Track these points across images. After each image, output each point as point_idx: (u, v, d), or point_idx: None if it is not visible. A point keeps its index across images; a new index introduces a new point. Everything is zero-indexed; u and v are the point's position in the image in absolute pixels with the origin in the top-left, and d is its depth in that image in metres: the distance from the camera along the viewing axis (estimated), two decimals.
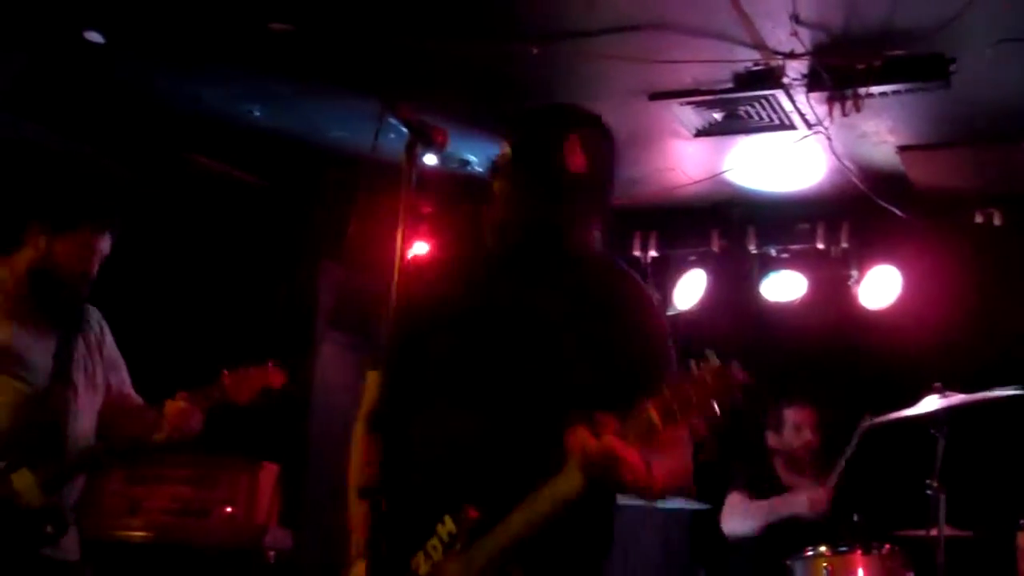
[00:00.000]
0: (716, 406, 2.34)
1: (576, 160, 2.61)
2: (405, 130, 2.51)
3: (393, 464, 2.74)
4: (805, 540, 4.79)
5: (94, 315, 3.95)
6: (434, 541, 2.53)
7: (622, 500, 4.18)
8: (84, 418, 3.79)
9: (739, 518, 5.28)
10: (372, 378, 2.90)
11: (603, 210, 2.79)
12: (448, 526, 2.51)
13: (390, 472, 2.69)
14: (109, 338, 3.99)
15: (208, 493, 5.09)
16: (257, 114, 5.21)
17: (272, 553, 5.07)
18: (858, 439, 4.98)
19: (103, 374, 3.91)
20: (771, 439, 5.52)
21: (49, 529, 3.60)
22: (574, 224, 2.71)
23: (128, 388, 4.02)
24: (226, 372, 3.87)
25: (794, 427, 5.44)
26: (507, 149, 2.67)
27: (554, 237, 2.68)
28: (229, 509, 5.09)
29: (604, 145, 2.73)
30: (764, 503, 5.20)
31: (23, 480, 3.54)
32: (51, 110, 5.17)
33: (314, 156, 5.63)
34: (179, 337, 5.69)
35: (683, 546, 6.15)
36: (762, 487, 5.33)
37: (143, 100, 5.12)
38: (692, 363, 2.36)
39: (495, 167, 2.70)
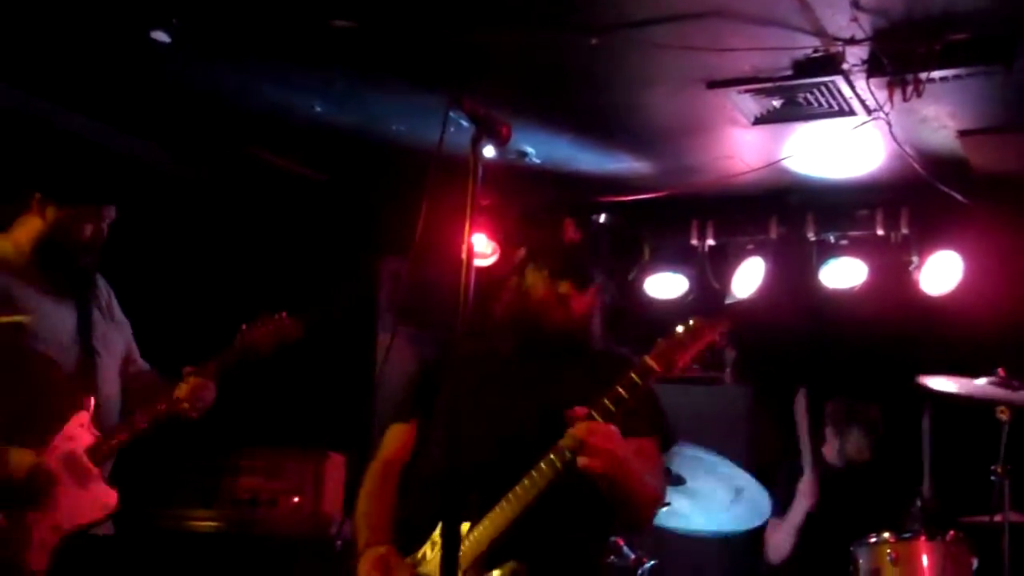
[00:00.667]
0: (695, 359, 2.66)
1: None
2: (468, 123, 2.55)
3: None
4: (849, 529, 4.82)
5: (101, 281, 3.96)
6: (433, 537, 2.80)
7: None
8: (109, 386, 3.82)
9: (776, 542, 5.34)
10: (393, 431, 3.17)
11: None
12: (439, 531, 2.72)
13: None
14: (115, 301, 4.00)
15: (276, 484, 5.19)
16: (319, 109, 5.26)
17: (339, 542, 5.14)
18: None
19: (117, 339, 3.95)
20: (829, 435, 5.55)
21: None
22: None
23: (135, 354, 4.04)
24: (244, 326, 3.88)
25: (845, 424, 5.49)
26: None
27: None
28: (297, 499, 5.19)
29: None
30: (779, 521, 5.25)
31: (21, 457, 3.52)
32: (117, 109, 5.27)
33: (375, 150, 5.68)
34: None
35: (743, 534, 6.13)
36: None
37: (207, 98, 5.19)
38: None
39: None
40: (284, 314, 3.97)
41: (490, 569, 2.74)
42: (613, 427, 2.68)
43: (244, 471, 5.17)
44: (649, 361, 2.73)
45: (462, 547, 2.65)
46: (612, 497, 2.77)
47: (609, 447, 2.64)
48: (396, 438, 3.12)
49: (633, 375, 2.72)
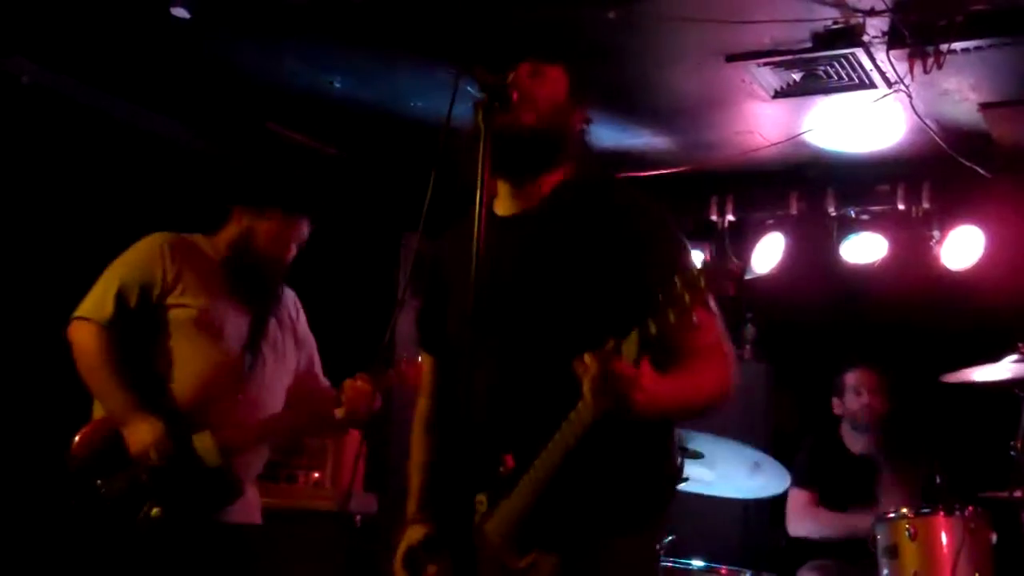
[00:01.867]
0: (711, 300, 2.31)
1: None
2: (481, 94, 2.53)
3: (443, 428, 2.92)
4: None
5: (290, 296, 4.08)
6: (480, 496, 2.58)
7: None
8: (270, 393, 3.89)
9: (807, 523, 5.34)
10: (426, 360, 3.03)
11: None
12: (490, 480, 2.56)
13: (444, 437, 2.89)
14: (303, 319, 4.11)
15: (296, 459, 5.21)
16: (338, 85, 5.28)
17: (358, 517, 5.18)
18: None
19: (294, 353, 4.02)
20: (836, 406, 5.56)
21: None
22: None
23: (317, 369, 4.12)
24: (403, 359, 3.88)
25: (854, 390, 5.48)
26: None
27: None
28: (316, 475, 5.21)
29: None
30: (843, 518, 5.21)
31: (204, 442, 3.65)
32: (138, 85, 5.30)
33: (395, 126, 5.69)
34: None
35: (763, 509, 6.13)
36: (827, 477, 5.38)
37: (226, 74, 5.21)
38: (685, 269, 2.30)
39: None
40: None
41: (525, 549, 2.58)
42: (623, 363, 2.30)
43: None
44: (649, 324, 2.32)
45: (494, 518, 2.56)
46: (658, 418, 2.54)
47: (629, 392, 2.29)
48: (426, 371, 3.01)
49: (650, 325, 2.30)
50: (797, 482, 5.29)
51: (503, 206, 2.79)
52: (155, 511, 3.57)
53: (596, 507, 2.59)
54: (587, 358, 2.28)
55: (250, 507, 3.87)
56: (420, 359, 3.09)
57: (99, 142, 5.25)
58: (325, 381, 4.11)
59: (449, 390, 2.89)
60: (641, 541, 2.68)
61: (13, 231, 4.91)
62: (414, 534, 2.81)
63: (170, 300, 3.71)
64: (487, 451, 2.52)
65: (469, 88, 2.55)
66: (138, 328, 3.69)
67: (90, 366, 3.65)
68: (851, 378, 5.50)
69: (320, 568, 4.91)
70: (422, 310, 2.96)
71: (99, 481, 3.59)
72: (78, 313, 3.70)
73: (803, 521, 5.35)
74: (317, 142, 5.99)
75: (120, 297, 3.67)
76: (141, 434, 3.59)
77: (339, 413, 3.79)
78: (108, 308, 3.66)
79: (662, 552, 4.36)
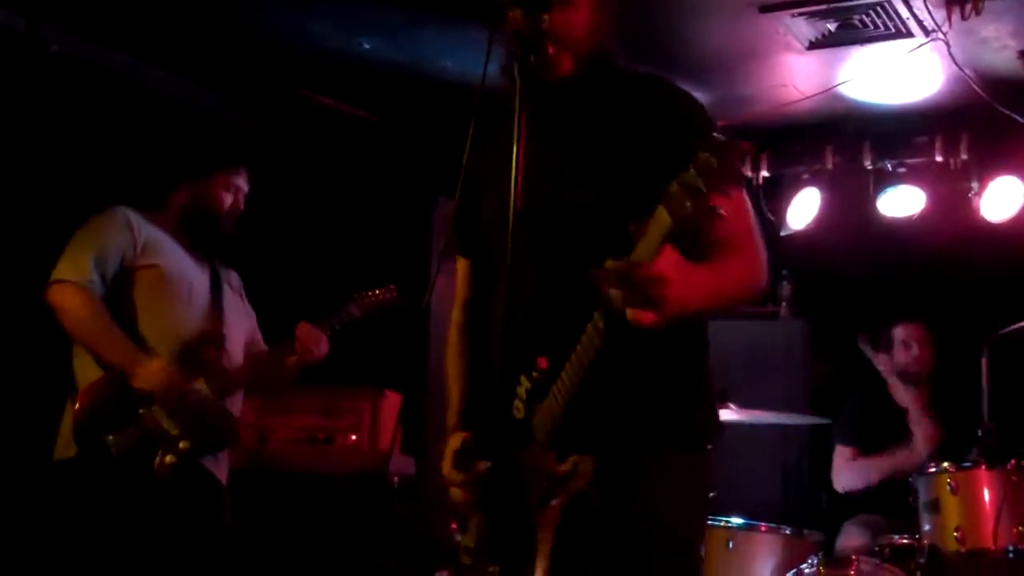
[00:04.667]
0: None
1: None
2: (515, 48, 2.49)
3: (479, 335, 2.84)
4: None
5: (234, 275, 4.27)
6: (517, 402, 2.54)
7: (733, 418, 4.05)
8: (234, 345, 4.09)
9: (853, 475, 5.36)
10: (461, 265, 2.94)
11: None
12: (524, 384, 2.51)
13: (479, 344, 2.83)
14: (243, 294, 4.32)
15: (333, 422, 5.23)
16: (367, 47, 5.25)
17: (396, 479, 5.19)
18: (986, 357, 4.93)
19: (243, 319, 4.24)
20: (882, 361, 5.52)
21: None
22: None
23: (260, 341, 4.32)
24: (354, 294, 4.28)
25: (903, 344, 5.47)
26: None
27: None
28: (354, 437, 5.22)
29: None
30: (881, 459, 5.25)
31: (200, 388, 3.86)
32: (170, 52, 5.29)
33: (426, 88, 5.65)
34: (297, 274, 5.82)
35: (803, 466, 6.11)
36: (871, 432, 5.37)
37: (256, 38, 5.19)
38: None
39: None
40: (393, 287, 4.42)
41: (566, 452, 2.49)
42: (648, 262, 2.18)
43: (299, 409, 5.23)
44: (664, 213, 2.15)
45: (535, 418, 2.50)
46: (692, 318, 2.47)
47: (658, 292, 2.18)
48: (462, 276, 2.93)
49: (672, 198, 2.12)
50: (843, 439, 5.35)
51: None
52: (168, 458, 3.72)
53: (631, 415, 2.53)
54: (609, 266, 2.19)
55: (222, 464, 4.03)
56: (460, 263, 2.96)
57: (129, 109, 5.25)
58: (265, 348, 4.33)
59: (484, 296, 2.81)
60: (682, 454, 2.58)
61: (43, 202, 4.92)
62: (455, 442, 2.75)
63: (139, 262, 3.86)
64: (525, 354, 2.48)
65: (500, 47, 2.52)
66: (112, 292, 3.83)
67: (82, 321, 3.76)
68: (900, 332, 5.49)
69: (358, 531, 4.94)
70: (458, 212, 2.85)
71: (110, 437, 3.70)
72: (57, 276, 3.80)
73: (849, 474, 5.38)
74: (349, 106, 5.97)
75: (97, 262, 3.80)
76: (151, 372, 3.73)
77: (292, 359, 4.14)
78: (86, 271, 3.78)
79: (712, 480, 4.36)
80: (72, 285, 3.77)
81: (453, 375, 2.90)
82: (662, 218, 2.12)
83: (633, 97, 2.62)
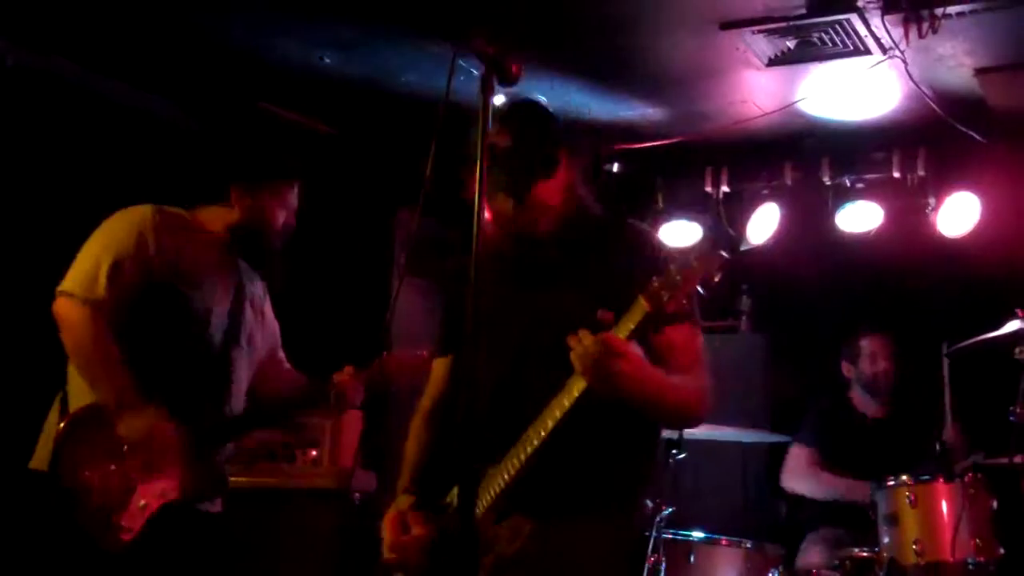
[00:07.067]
0: (700, 286, 2.53)
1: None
2: (478, 67, 2.50)
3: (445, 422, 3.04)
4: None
5: (259, 285, 4.00)
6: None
7: (693, 434, 4.18)
8: (242, 384, 3.84)
9: (805, 481, 5.41)
10: (437, 366, 3.14)
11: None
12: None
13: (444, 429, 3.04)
14: (269, 304, 4.04)
15: (294, 438, 5.19)
16: (328, 61, 5.23)
17: (357, 495, 5.16)
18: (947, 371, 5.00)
19: (262, 340, 3.95)
20: (847, 369, 5.60)
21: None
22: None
23: (281, 354, 4.07)
24: (386, 355, 3.87)
25: (870, 356, 5.53)
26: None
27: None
28: (314, 453, 5.19)
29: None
30: (836, 481, 5.26)
31: (188, 441, 3.54)
32: (127, 62, 5.25)
33: (386, 102, 5.64)
34: None
35: (762, 480, 6.15)
36: (832, 439, 5.41)
37: (218, 51, 5.16)
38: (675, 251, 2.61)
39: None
40: (425, 353, 3.84)
41: (503, 516, 2.72)
42: (608, 338, 2.53)
43: None
44: (642, 301, 2.56)
45: (483, 481, 2.66)
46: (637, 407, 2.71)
47: (614, 363, 2.51)
48: (436, 374, 3.11)
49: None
50: (802, 440, 5.41)
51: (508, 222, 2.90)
52: (142, 503, 3.48)
53: (574, 483, 2.73)
54: (581, 333, 2.50)
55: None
56: (433, 361, 3.18)
57: (87, 123, 5.20)
58: (287, 364, 4.08)
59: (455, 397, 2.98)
60: (609, 527, 2.80)
61: (2, 214, 4.87)
62: (403, 502, 2.94)
63: (160, 279, 3.58)
64: (487, 433, 2.52)
65: (463, 63, 2.53)
66: (126, 308, 3.54)
67: (82, 346, 3.49)
68: (867, 344, 5.55)
69: (319, 547, 4.91)
70: (445, 312, 3.11)
71: (87, 473, 3.46)
72: (66, 288, 3.53)
73: (801, 478, 5.42)
74: (309, 120, 5.94)
75: (113, 274, 3.51)
76: (138, 423, 3.47)
77: (324, 404, 3.87)
78: (100, 286, 3.49)
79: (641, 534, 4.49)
80: (80, 303, 3.48)
81: (411, 448, 3.07)
82: (640, 306, 2.50)
83: (604, 241, 2.88)
